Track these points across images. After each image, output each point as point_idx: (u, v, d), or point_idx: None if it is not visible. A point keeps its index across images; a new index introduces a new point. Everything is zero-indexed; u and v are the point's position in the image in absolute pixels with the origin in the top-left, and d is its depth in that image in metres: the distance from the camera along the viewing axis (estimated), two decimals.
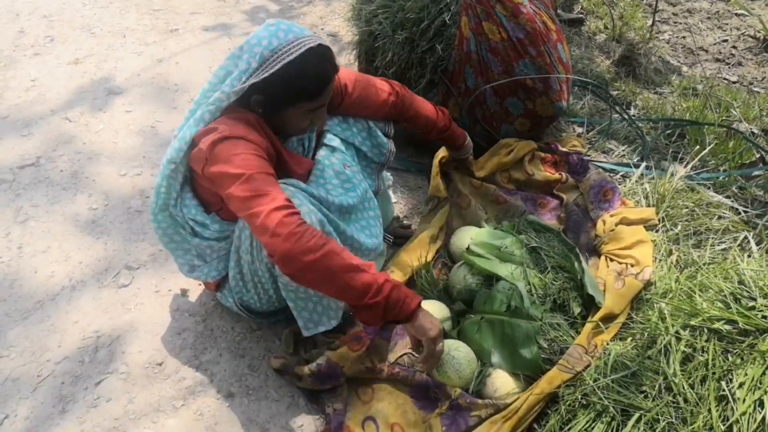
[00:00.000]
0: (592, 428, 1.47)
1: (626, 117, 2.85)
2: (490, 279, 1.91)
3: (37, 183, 2.42)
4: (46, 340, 1.87)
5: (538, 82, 2.42)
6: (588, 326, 1.73)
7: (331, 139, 1.84)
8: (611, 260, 2.00)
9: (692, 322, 1.47)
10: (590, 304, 1.85)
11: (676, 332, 1.49)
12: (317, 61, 1.52)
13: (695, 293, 1.61)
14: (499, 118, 2.52)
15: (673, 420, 1.37)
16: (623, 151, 2.69)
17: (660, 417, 1.39)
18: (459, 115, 2.55)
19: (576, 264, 1.91)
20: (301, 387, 1.77)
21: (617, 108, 2.93)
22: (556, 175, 2.41)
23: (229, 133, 1.50)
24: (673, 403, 1.40)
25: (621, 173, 2.53)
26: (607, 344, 1.67)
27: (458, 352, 1.74)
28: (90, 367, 1.80)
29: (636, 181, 2.42)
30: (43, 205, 2.32)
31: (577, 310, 1.82)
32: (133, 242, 2.20)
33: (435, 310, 1.89)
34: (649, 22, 3.93)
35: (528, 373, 1.70)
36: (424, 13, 2.49)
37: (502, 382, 1.68)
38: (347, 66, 3.37)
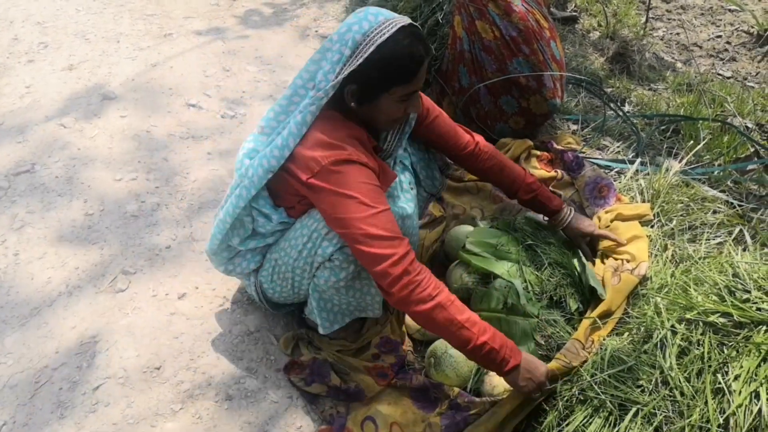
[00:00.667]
0: (590, 423, 1.47)
1: (621, 113, 2.85)
2: (487, 277, 1.91)
3: (32, 189, 2.42)
4: (44, 346, 1.87)
5: (531, 80, 2.42)
6: (585, 322, 1.73)
7: (404, 157, 1.89)
8: (607, 257, 2.00)
9: (688, 316, 1.47)
10: (588, 300, 1.85)
11: (672, 326, 1.49)
12: (410, 41, 1.46)
13: (690, 287, 1.61)
14: (493, 116, 2.53)
15: (670, 414, 1.37)
16: (618, 147, 2.69)
17: (657, 411, 1.39)
18: (453, 114, 2.55)
19: (576, 260, 1.91)
20: (307, 390, 1.78)
21: (612, 105, 2.93)
22: (552, 173, 2.42)
23: (357, 157, 1.49)
24: (670, 396, 1.40)
25: (616, 169, 2.54)
26: (604, 340, 1.67)
27: (456, 351, 1.75)
28: (88, 372, 1.80)
29: (631, 177, 2.43)
30: (39, 212, 2.32)
31: (574, 306, 1.83)
32: (130, 247, 2.20)
33: None
34: (643, 19, 3.93)
35: None
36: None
37: (499, 379, 1.68)
38: None
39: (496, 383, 1.68)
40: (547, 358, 1.69)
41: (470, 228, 2.11)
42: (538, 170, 2.44)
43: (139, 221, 2.31)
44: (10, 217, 2.29)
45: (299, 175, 1.53)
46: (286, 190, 1.64)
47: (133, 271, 2.11)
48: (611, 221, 2.11)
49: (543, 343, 1.72)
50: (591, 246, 2.07)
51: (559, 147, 2.50)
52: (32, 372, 1.80)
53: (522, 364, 1.50)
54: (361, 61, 1.45)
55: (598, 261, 2.02)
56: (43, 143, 2.66)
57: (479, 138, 1.94)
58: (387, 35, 1.44)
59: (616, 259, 1.96)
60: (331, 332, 1.87)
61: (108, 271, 2.11)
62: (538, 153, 2.50)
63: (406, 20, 1.50)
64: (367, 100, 1.53)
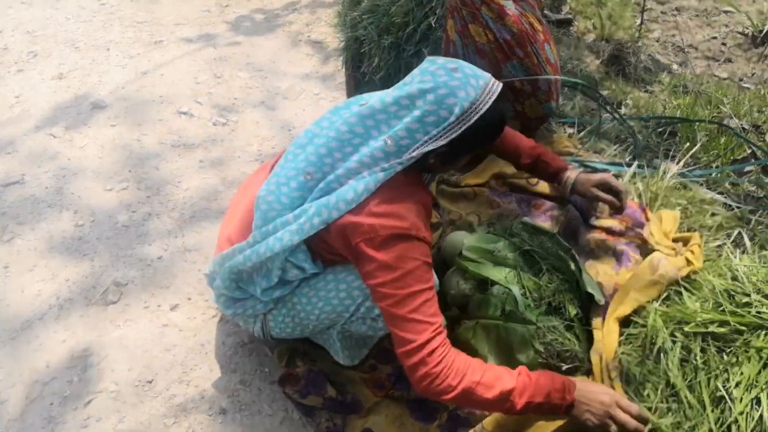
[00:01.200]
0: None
1: (617, 116, 2.84)
2: (484, 284, 1.88)
3: (22, 201, 2.39)
4: (34, 360, 1.84)
5: (526, 83, 2.40)
6: (611, 344, 1.66)
7: None
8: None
9: (686, 329, 1.45)
10: (587, 306, 1.82)
11: (672, 334, 1.47)
12: (501, 106, 1.43)
13: (688, 295, 1.59)
14: None
15: (681, 425, 1.35)
16: (615, 150, 2.67)
17: (665, 426, 1.36)
18: None
19: (572, 265, 1.88)
20: (302, 403, 1.74)
21: (607, 107, 2.91)
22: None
23: (416, 232, 1.38)
24: (678, 409, 1.38)
25: (613, 173, 2.51)
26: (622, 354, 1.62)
27: None
28: (79, 386, 1.77)
29: (629, 181, 2.41)
30: (29, 223, 2.29)
31: (573, 311, 1.80)
32: (121, 258, 2.17)
33: None
34: (638, 21, 3.92)
35: None
36: (410, 17, 2.48)
37: None
38: (334, 72, 3.36)
39: None
40: (547, 366, 1.66)
41: (466, 234, 2.08)
42: (545, 183, 2.39)
43: (130, 232, 2.28)
44: (0, 230, 2.26)
45: (349, 236, 1.41)
46: (319, 245, 1.52)
47: (125, 282, 2.08)
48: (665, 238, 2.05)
49: (542, 350, 1.69)
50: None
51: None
52: (23, 387, 1.77)
53: (577, 400, 1.36)
54: (465, 128, 1.37)
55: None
56: (33, 154, 2.63)
57: None
58: (489, 104, 1.38)
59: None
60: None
61: (99, 283, 2.08)
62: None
63: (497, 83, 1.43)
64: (451, 162, 1.49)
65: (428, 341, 1.33)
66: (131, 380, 1.79)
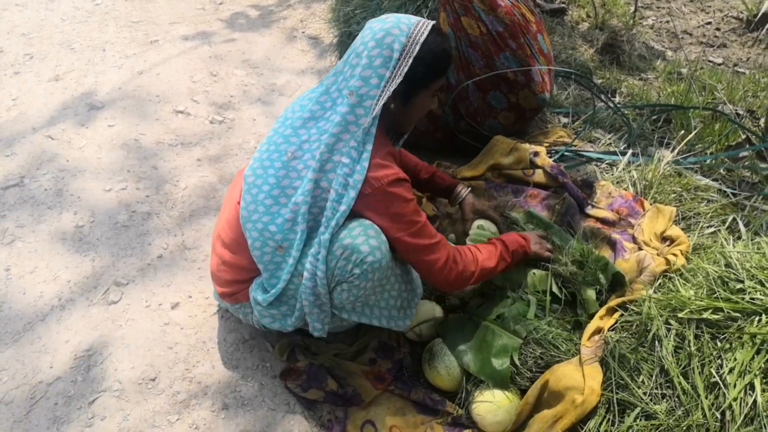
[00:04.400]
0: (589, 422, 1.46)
1: (611, 105, 2.84)
2: (488, 284, 1.91)
3: (22, 203, 2.41)
4: (38, 361, 1.86)
5: (520, 74, 2.41)
6: (591, 325, 1.69)
7: None
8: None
9: (680, 315, 1.46)
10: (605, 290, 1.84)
11: (666, 322, 1.48)
12: (441, 38, 1.57)
13: (682, 283, 1.60)
14: (482, 113, 2.51)
15: (674, 412, 1.37)
16: (610, 139, 2.68)
17: (658, 412, 1.38)
18: (442, 113, 2.54)
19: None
20: (304, 396, 1.76)
21: (602, 96, 2.92)
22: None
23: (403, 174, 1.58)
24: (672, 395, 1.40)
25: (608, 161, 2.53)
26: (609, 335, 1.64)
27: (451, 353, 1.74)
28: (83, 386, 1.79)
29: (623, 169, 2.42)
30: (29, 225, 2.31)
31: (593, 299, 1.80)
32: (121, 258, 2.19)
33: (428, 309, 1.89)
34: (632, 8, 3.92)
35: (492, 384, 1.67)
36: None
37: (483, 409, 1.65)
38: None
39: (481, 412, 1.65)
40: (532, 382, 1.67)
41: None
42: (541, 176, 2.41)
43: (130, 231, 2.30)
44: (0, 232, 2.28)
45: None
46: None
47: (126, 282, 2.10)
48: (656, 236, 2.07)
49: (519, 364, 1.69)
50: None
51: (541, 165, 2.45)
52: (27, 388, 1.79)
53: (529, 238, 1.89)
54: (411, 61, 1.51)
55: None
56: (31, 156, 2.64)
57: None
58: (426, 34, 1.53)
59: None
60: (327, 336, 1.87)
61: (100, 283, 2.10)
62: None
63: (431, 21, 1.59)
64: (409, 98, 1.59)
65: (448, 255, 1.65)
66: (134, 378, 1.81)
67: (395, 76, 1.51)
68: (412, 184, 2.01)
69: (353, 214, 1.56)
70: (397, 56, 1.50)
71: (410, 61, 1.51)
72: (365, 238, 1.52)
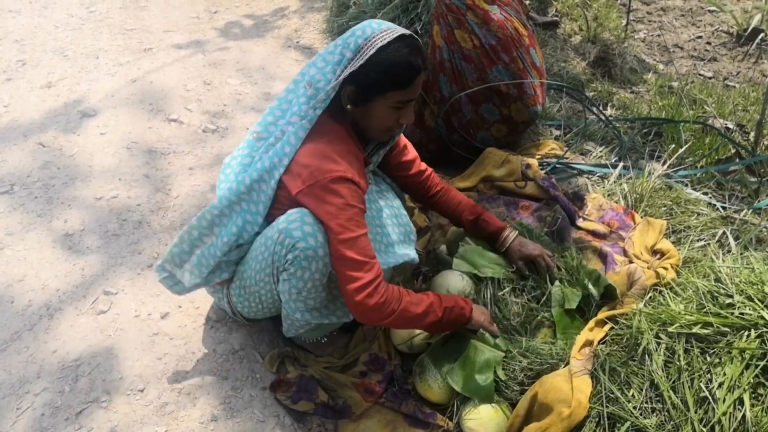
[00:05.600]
0: None
1: (602, 118, 2.86)
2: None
3: (11, 210, 2.39)
4: (25, 371, 1.84)
5: (512, 87, 2.43)
6: (581, 337, 1.69)
7: (387, 190, 1.99)
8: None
9: (670, 329, 1.47)
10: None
11: (656, 336, 1.49)
12: (409, 50, 1.54)
13: (672, 296, 1.61)
14: (475, 125, 2.52)
15: (664, 426, 1.37)
16: (601, 152, 2.69)
17: (648, 427, 1.38)
18: (435, 125, 2.55)
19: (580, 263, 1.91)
20: (294, 409, 1.75)
21: (593, 109, 2.94)
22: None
23: (351, 175, 1.55)
24: (662, 409, 1.40)
25: (599, 174, 2.54)
26: (599, 348, 1.64)
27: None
28: (70, 396, 1.77)
29: (614, 182, 2.43)
30: (18, 233, 2.29)
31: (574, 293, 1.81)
32: (111, 267, 2.17)
33: (456, 282, 1.92)
34: (624, 22, 3.96)
35: (477, 399, 1.66)
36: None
37: (474, 423, 1.64)
38: None
39: (471, 425, 1.65)
40: (511, 390, 1.68)
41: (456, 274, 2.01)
42: (533, 189, 2.42)
43: (120, 240, 2.28)
44: None
45: (290, 187, 1.56)
46: (275, 206, 1.64)
47: (115, 291, 2.09)
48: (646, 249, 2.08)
49: (503, 378, 1.69)
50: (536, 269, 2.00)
51: (533, 177, 2.46)
52: (14, 398, 1.77)
53: (473, 307, 1.74)
54: (362, 62, 1.52)
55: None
56: (22, 163, 2.63)
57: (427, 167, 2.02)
58: (388, 40, 1.52)
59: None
60: (318, 349, 1.87)
61: (89, 293, 2.08)
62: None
63: (407, 31, 1.58)
64: (362, 102, 1.58)
65: (373, 279, 1.55)
66: (123, 389, 1.79)
67: (343, 73, 1.53)
68: (457, 225, 2.06)
69: (296, 204, 1.57)
70: (350, 55, 1.54)
71: (363, 61, 1.51)
72: (299, 224, 1.54)
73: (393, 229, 1.87)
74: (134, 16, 3.97)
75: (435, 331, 1.74)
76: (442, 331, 1.75)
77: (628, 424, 1.41)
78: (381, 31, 1.54)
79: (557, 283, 1.87)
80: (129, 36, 3.71)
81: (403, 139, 1.95)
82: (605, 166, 2.56)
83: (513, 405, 1.65)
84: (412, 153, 1.97)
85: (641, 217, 2.18)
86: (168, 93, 3.15)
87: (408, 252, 1.86)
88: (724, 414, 1.30)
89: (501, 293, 1.87)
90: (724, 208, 2.29)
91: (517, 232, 1.98)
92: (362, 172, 1.64)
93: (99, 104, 3.02)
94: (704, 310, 1.50)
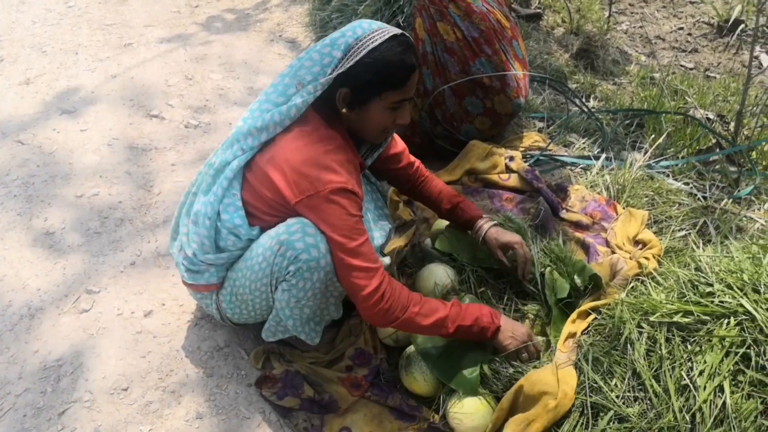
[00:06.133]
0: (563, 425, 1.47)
1: (585, 110, 2.88)
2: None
3: None
4: (6, 372, 1.82)
5: (495, 80, 2.43)
6: (565, 330, 1.70)
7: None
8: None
9: (651, 318, 1.48)
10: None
11: (638, 325, 1.50)
12: (402, 49, 1.52)
13: (653, 286, 1.62)
14: (459, 118, 2.52)
15: (646, 414, 1.38)
16: (584, 143, 2.71)
17: (631, 415, 1.39)
18: (419, 117, 2.54)
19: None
20: (280, 404, 1.75)
21: (576, 101, 2.95)
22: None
23: (351, 186, 1.53)
24: (644, 398, 1.41)
25: (582, 165, 2.55)
26: (582, 339, 1.65)
27: None
28: (53, 397, 1.76)
29: (597, 173, 2.44)
30: None
31: (562, 282, 1.82)
32: (93, 265, 2.15)
33: (441, 274, 1.92)
34: (606, 14, 3.97)
35: (462, 392, 1.66)
36: (378, 16, 2.49)
37: (463, 416, 1.64)
38: None
39: (458, 422, 1.65)
40: (496, 384, 1.68)
41: (442, 267, 2.00)
42: (516, 181, 2.43)
43: (102, 238, 2.26)
44: None
45: (287, 195, 1.53)
46: (256, 201, 1.61)
47: (97, 290, 2.07)
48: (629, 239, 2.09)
49: (491, 373, 1.69)
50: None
51: (516, 169, 2.47)
52: None
53: (503, 326, 1.66)
54: (352, 63, 1.50)
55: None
56: (1, 161, 2.59)
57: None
58: (379, 41, 1.50)
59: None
60: (304, 345, 1.87)
61: (71, 291, 2.06)
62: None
63: (398, 30, 1.55)
64: (358, 104, 1.56)
65: (379, 286, 1.54)
66: (106, 389, 1.78)
67: (333, 72, 1.51)
68: (438, 214, 2.06)
69: (294, 212, 1.56)
70: (339, 55, 1.52)
71: (353, 62, 1.50)
72: (301, 235, 1.53)
73: (376, 233, 1.90)
74: (114, 11, 3.91)
75: (448, 338, 1.69)
76: (457, 338, 1.70)
77: (611, 413, 1.43)
78: (372, 31, 1.52)
79: (548, 270, 1.87)
80: (109, 31, 3.66)
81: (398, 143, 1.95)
82: (588, 157, 2.57)
83: (498, 398, 1.65)
84: (400, 145, 1.96)
85: (623, 208, 2.19)
86: (149, 89, 3.11)
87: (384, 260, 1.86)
88: (705, 401, 1.31)
89: (481, 290, 1.88)
90: (704, 197, 2.32)
91: (495, 221, 1.96)
92: (359, 180, 1.63)
93: (79, 101, 2.99)
94: (685, 299, 1.51)
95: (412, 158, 1.99)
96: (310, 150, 1.52)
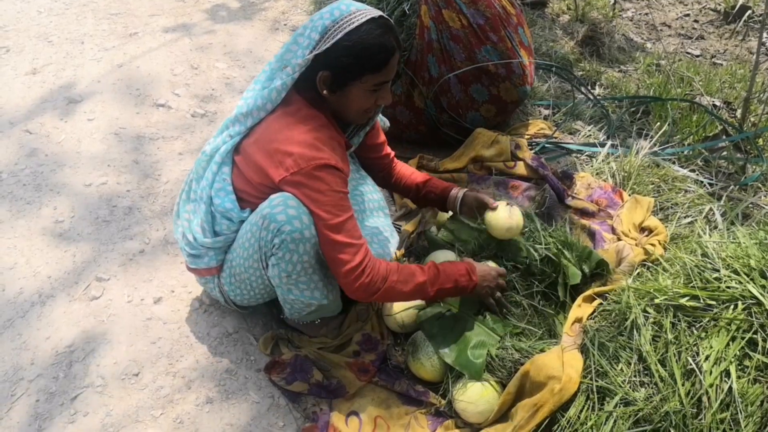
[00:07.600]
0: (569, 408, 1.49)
1: (591, 97, 2.87)
2: None
3: (0, 198, 2.37)
4: (19, 358, 1.84)
5: (500, 67, 2.42)
6: (572, 315, 1.71)
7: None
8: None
9: (657, 301, 1.49)
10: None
11: (644, 310, 1.51)
12: (380, 31, 1.51)
13: (660, 272, 1.63)
14: (464, 105, 2.52)
15: (652, 398, 1.40)
16: (589, 131, 2.71)
17: (637, 399, 1.41)
18: (424, 105, 2.54)
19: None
20: (288, 389, 1.77)
21: (582, 89, 2.94)
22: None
23: (335, 162, 1.54)
24: (650, 383, 1.42)
25: (588, 153, 2.55)
26: (588, 324, 1.66)
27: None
28: (65, 382, 1.78)
29: (603, 160, 2.45)
30: (8, 221, 2.28)
31: (574, 269, 1.83)
32: (103, 253, 2.17)
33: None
34: (612, 1, 3.95)
35: (468, 374, 1.68)
36: (383, 4, 2.48)
37: (467, 404, 1.66)
38: None
39: (464, 407, 1.67)
40: (502, 370, 1.69)
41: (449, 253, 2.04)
42: (522, 169, 2.43)
43: (111, 226, 2.28)
44: None
45: (272, 174, 1.55)
46: (250, 193, 1.65)
47: (107, 277, 2.09)
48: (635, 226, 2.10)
49: (497, 357, 1.70)
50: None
51: (522, 157, 2.48)
52: (8, 385, 1.77)
53: (479, 281, 1.73)
54: (329, 45, 1.50)
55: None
56: (9, 151, 2.60)
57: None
58: (357, 23, 1.50)
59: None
60: (312, 330, 1.89)
61: (81, 279, 2.08)
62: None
63: (377, 12, 1.55)
64: (338, 87, 1.57)
65: (361, 261, 1.57)
66: (117, 374, 1.80)
67: (311, 54, 1.52)
68: (412, 197, 2.09)
69: (278, 191, 1.58)
70: (317, 37, 1.52)
71: (330, 44, 1.50)
72: (283, 208, 1.54)
73: (377, 220, 1.92)
74: (119, 0, 3.91)
75: (429, 301, 1.79)
76: (439, 300, 1.80)
77: (617, 397, 1.44)
78: (350, 13, 1.51)
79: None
80: (114, 20, 3.66)
81: (376, 122, 1.96)
82: (594, 145, 2.57)
83: (503, 384, 1.67)
84: (382, 136, 2.00)
85: (629, 195, 2.19)
86: (155, 78, 3.12)
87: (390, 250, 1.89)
88: (711, 386, 1.33)
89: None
90: (711, 184, 2.32)
91: (464, 189, 2.01)
92: (344, 157, 1.64)
93: (85, 90, 2.99)
94: (691, 284, 1.52)
95: (389, 149, 2.04)
96: (293, 129, 1.55)
